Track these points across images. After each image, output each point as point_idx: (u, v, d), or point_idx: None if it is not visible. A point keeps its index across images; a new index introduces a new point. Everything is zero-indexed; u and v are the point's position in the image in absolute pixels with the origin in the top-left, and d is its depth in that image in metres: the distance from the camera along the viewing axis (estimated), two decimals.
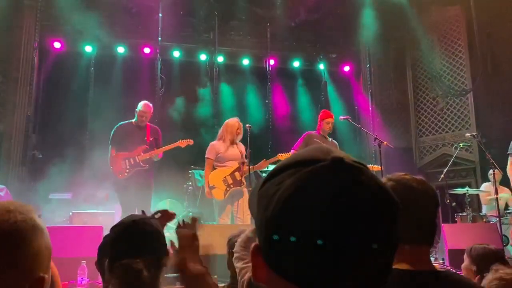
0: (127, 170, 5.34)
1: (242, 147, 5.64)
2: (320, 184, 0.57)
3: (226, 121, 5.73)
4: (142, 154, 5.39)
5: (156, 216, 1.71)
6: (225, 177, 5.41)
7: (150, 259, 1.44)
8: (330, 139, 6.03)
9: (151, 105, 5.70)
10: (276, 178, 0.63)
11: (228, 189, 5.36)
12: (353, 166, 0.59)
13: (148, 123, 5.69)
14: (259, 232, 0.63)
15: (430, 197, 1.35)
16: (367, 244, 0.56)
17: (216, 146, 5.55)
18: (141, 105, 5.60)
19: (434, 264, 4.32)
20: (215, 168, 5.53)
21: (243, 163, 5.48)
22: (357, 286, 0.57)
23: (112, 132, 5.58)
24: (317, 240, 0.55)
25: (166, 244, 1.57)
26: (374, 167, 5.95)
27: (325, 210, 0.56)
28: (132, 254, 1.42)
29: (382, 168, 5.62)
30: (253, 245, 0.64)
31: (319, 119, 6.09)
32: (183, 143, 5.59)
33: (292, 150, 5.85)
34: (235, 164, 5.45)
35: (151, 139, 5.56)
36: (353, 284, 0.57)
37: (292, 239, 0.57)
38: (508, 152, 5.55)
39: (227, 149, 5.48)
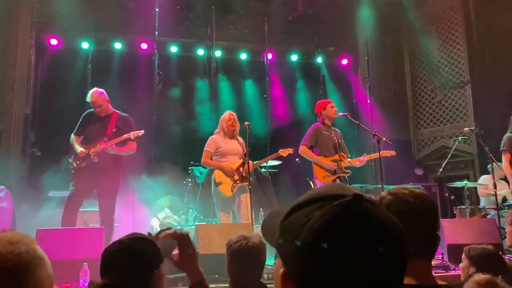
0: (78, 162, 4.87)
1: (241, 141, 5.50)
2: (346, 215, 0.68)
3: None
4: (97, 146, 4.85)
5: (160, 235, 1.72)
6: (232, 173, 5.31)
7: (128, 280, 1.48)
8: (333, 128, 5.83)
9: (99, 90, 5.04)
10: (302, 210, 0.73)
11: (235, 185, 5.25)
12: (370, 201, 0.71)
13: (117, 112, 5.09)
14: (287, 259, 0.72)
15: (428, 211, 1.36)
16: (385, 265, 0.67)
17: (215, 140, 5.43)
18: (88, 95, 5.00)
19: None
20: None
21: (244, 156, 5.35)
22: None
23: (80, 119, 5.15)
24: (345, 263, 0.66)
25: (151, 267, 1.59)
26: (388, 153, 5.79)
27: (351, 237, 0.67)
28: (109, 273, 1.50)
29: (381, 162, 5.61)
30: (281, 271, 0.73)
31: (319, 110, 5.81)
32: (133, 136, 4.91)
33: (301, 146, 5.65)
34: (235, 159, 5.33)
35: (114, 130, 4.93)
36: None
37: (326, 264, 0.66)
38: (501, 149, 5.58)
39: (226, 143, 5.38)
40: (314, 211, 0.70)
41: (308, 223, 0.69)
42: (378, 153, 5.48)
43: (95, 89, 5.05)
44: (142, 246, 1.59)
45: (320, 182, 5.53)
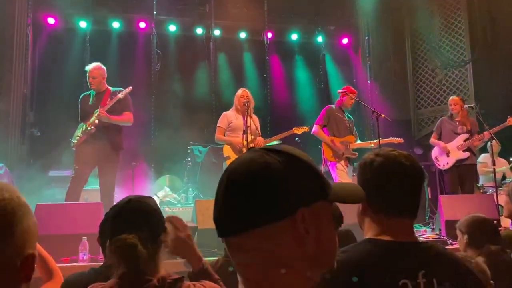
0: (78, 137, 4.95)
1: (256, 119, 5.62)
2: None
3: None
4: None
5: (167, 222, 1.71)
6: (240, 148, 5.36)
7: (146, 234, 1.46)
8: (347, 115, 5.97)
9: (98, 65, 5.14)
10: None
11: None
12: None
13: (110, 88, 5.14)
14: None
15: (416, 172, 1.37)
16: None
17: (227, 115, 5.53)
18: (88, 66, 5.16)
19: (430, 234, 4.35)
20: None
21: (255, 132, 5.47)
22: None
23: (78, 105, 5.21)
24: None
25: (163, 222, 1.59)
26: (370, 143, 5.94)
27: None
28: (127, 231, 1.45)
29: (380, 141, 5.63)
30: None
31: (342, 93, 5.88)
32: (121, 95, 4.98)
33: (315, 125, 5.79)
34: (248, 136, 5.32)
35: (108, 102, 4.99)
36: None
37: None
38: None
39: (238, 119, 5.44)
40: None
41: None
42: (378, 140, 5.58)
43: (96, 63, 5.21)
44: (153, 202, 1.62)
45: (328, 160, 5.72)
